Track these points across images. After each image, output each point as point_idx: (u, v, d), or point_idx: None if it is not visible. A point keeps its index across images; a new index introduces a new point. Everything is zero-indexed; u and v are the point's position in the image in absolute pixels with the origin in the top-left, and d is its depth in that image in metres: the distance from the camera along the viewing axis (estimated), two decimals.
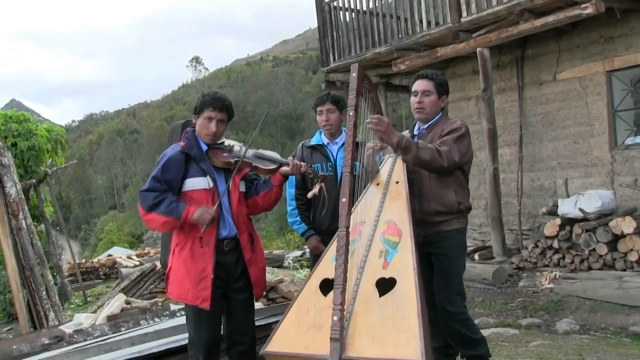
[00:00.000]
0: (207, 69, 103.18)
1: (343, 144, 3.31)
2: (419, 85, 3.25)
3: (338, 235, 2.54)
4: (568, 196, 7.34)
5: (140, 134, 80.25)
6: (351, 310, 2.50)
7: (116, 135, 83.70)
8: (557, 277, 6.47)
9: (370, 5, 8.89)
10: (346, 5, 9.13)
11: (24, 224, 6.42)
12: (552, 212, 6.99)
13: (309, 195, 3.07)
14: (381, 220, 2.91)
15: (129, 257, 11.12)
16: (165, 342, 3.57)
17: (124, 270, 9.33)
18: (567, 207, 6.65)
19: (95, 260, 13.51)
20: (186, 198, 2.95)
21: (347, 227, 2.55)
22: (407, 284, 2.53)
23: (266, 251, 13.61)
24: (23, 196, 7.31)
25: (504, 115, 8.32)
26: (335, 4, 9.31)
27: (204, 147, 3.05)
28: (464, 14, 7.46)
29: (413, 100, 3.28)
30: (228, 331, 3.11)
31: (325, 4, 9.43)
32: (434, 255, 3.19)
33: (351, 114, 2.75)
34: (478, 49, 7.30)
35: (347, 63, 9.32)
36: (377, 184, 3.16)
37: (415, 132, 3.34)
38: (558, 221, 6.68)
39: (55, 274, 9.38)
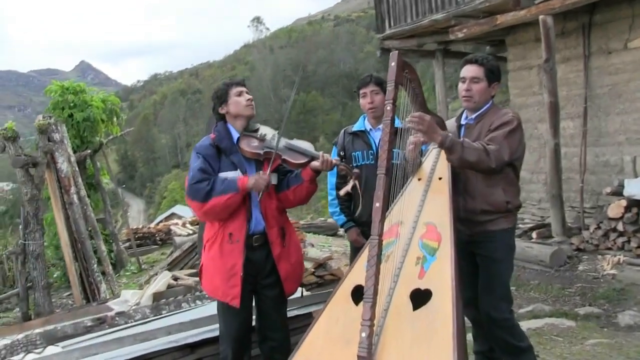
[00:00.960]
0: (268, 29, 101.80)
1: None
2: (467, 71, 2.97)
3: (370, 243, 2.36)
4: (636, 175, 6.81)
5: (202, 94, 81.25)
6: (382, 324, 2.34)
7: (179, 95, 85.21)
8: (621, 262, 6.03)
9: None
10: None
11: (75, 199, 6.56)
12: (617, 193, 6.48)
13: (341, 192, 2.87)
14: (420, 221, 2.70)
15: (184, 225, 11.30)
16: (201, 332, 3.58)
17: (177, 239, 9.47)
18: (635, 189, 6.14)
19: (152, 225, 13.88)
20: None
21: (380, 235, 2.35)
22: (444, 298, 2.33)
23: (321, 219, 13.52)
24: (77, 168, 7.49)
25: (568, 86, 7.74)
26: None
27: (235, 137, 2.94)
28: None
29: (461, 87, 3.00)
30: (260, 326, 3.06)
31: None
32: (478, 256, 2.98)
33: (389, 108, 2.48)
34: (540, 17, 6.74)
35: (403, 30, 8.98)
36: (419, 179, 2.94)
37: (462, 122, 3.07)
38: (624, 202, 6.20)
39: (111, 241, 9.68)
